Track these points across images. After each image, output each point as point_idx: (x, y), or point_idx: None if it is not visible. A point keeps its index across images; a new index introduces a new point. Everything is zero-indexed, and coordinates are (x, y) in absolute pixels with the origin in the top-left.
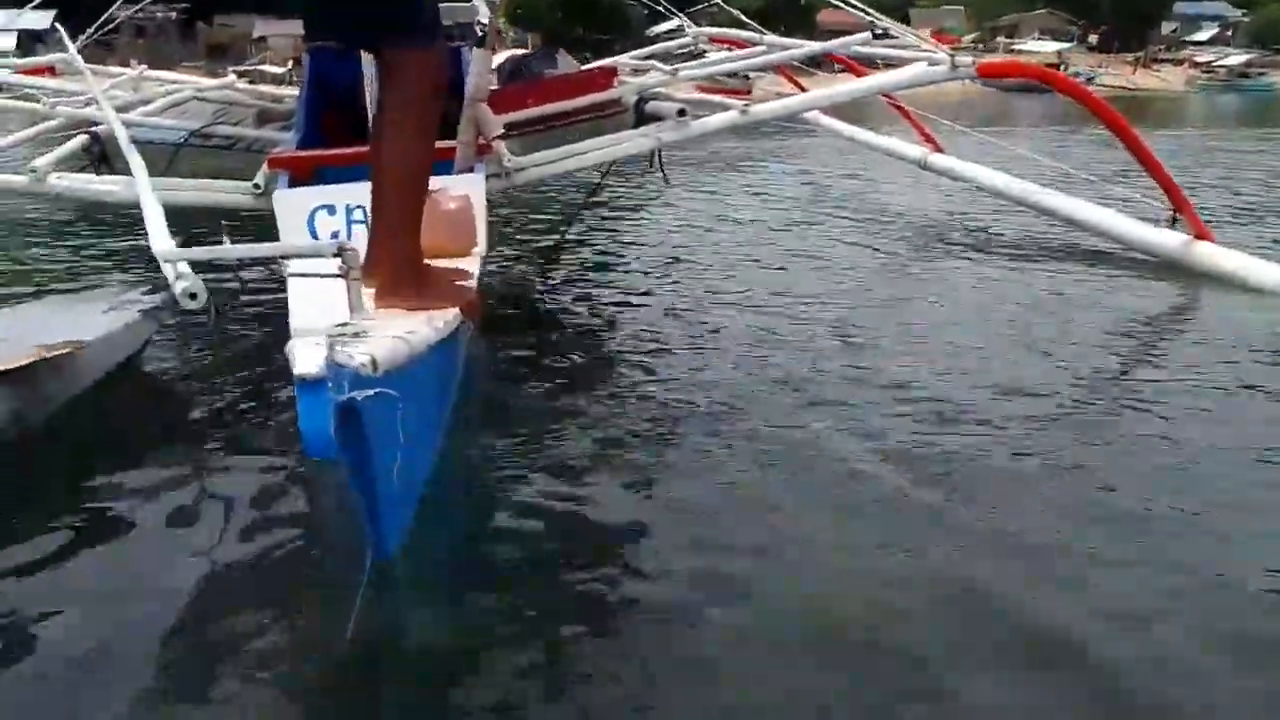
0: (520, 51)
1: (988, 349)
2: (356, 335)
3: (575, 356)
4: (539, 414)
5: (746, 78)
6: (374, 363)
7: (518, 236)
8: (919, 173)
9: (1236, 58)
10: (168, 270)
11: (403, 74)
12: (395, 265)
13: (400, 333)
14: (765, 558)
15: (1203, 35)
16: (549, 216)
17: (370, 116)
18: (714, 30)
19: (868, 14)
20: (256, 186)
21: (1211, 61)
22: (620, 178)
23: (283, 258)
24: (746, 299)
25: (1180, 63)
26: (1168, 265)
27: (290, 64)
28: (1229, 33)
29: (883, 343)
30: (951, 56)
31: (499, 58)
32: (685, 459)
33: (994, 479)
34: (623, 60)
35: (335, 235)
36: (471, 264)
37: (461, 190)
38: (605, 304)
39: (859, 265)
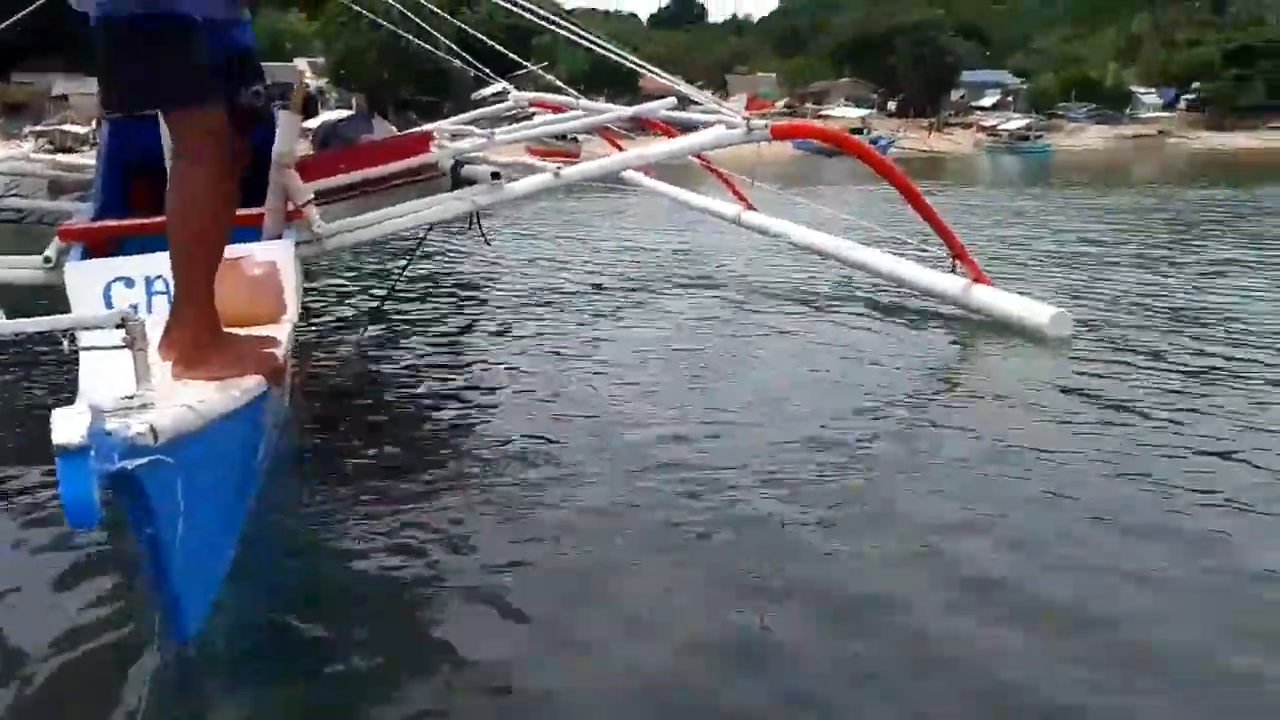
0: (336, 115)
1: (799, 399)
2: (142, 406)
3: (397, 416)
4: (359, 476)
5: (575, 140)
6: (154, 432)
7: (338, 299)
8: (734, 228)
9: (1017, 122)
10: None
11: (187, 135)
12: (193, 334)
13: (190, 402)
14: (588, 614)
15: (987, 101)
16: (371, 278)
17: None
18: (534, 95)
19: (673, 83)
20: (47, 260)
21: (995, 125)
22: (442, 238)
23: (62, 331)
24: (566, 353)
25: (969, 126)
26: (953, 307)
27: (94, 123)
28: (1010, 99)
29: (697, 395)
30: (746, 120)
31: (315, 121)
32: (509, 516)
33: (811, 535)
34: (442, 125)
35: (135, 309)
36: (280, 330)
37: (268, 257)
38: (427, 364)
39: (680, 318)
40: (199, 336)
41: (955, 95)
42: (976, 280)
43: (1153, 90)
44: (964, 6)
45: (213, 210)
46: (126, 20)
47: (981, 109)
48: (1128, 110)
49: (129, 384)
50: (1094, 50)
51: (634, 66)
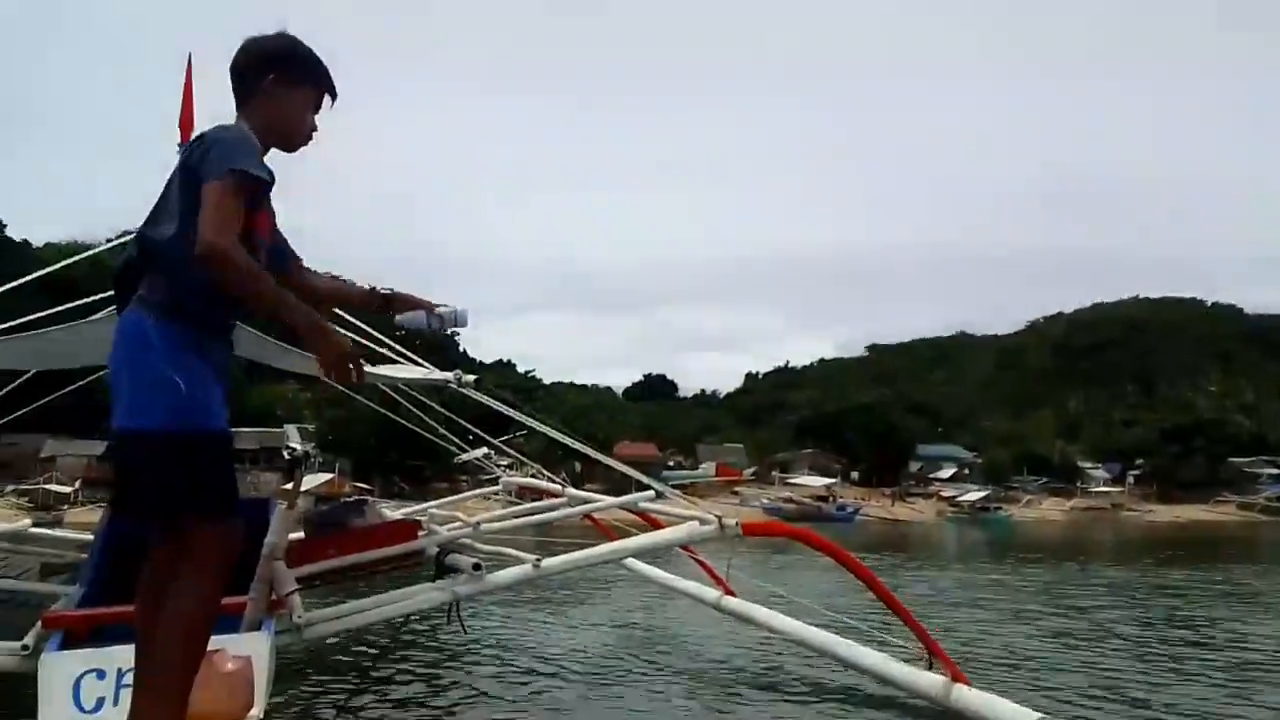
0: (321, 478)
1: None
2: None
3: None
4: None
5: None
6: None
7: (308, 689)
8: (715, 613)
9: (976, 493)
10: None
11: (202, 547)
12: None
13: None
14: None
15: (945, 473)
16: (346, 666)
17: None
18: (522, 480)
19: (647, 483)
20: (25, 648)
21: (955, 496)
22: (419, 621)
23: None
24: None
25: (930, 496)
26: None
27: (78, 483)
28: (966, 471)
29: None
30: (719, 518)
31: (305, 483)
32: None
33: None
34: (432, 509)
35: (100, 703)
36: None
37: (244, 651)
38: None
39: (659, 706)
40: None
41: (913, 466)
42: (955, 679)
43: (1099, 465)
44: (912, 388)
45: (207, 629)
46: (159, 432)
47: (940, 480)
48: (1079, 483)
49: None
50: (1036, 428)
51: (592, 454)
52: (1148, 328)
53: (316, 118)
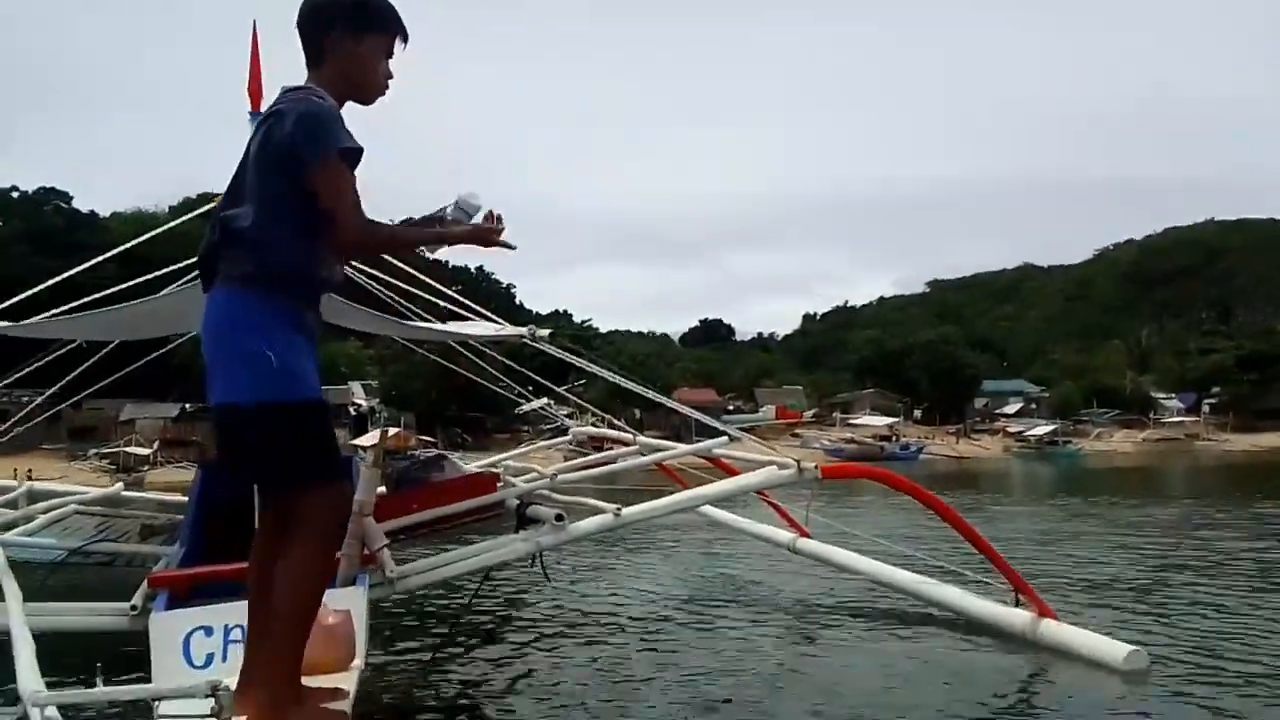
0: (391, 431)
1: None
2: None
3: None
4: None
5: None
6: None
7: (402, 641)
8: (791, 555)
9: (1043, 428)
10: (34, 715)
11: (312, 512)
12: (272, 694)
13: None
14: None
15: (1011, 409)
16: (434, 618)
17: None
18: (594, 430)
19: (719, 427)
20: (134, 608)
21: (1022, 431)
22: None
23: (153, 699)
24: (629, 685)
25: (996, 432)
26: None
27: (156, 445)
28: (1033, 406)
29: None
30: (798, 463)
31: (369, 437)
32: None
33: None
34: (506, 459)
35: (210, 659)
36: (348, 679)
37: (343, 605)
38: (488, 698)
39: (742, 644)
40: (279, 698)
41: (979, 403)
42: (1042, 614)
43: (1173, 395)
44: (974, 322)
45: (322, 587)
46: (255, 405)
47: (1006, 416)
48: (1151, 415)
49: None
50: (1106, 360)
51: (655, 397)
52: (1224, 252)
53: (391, 64)
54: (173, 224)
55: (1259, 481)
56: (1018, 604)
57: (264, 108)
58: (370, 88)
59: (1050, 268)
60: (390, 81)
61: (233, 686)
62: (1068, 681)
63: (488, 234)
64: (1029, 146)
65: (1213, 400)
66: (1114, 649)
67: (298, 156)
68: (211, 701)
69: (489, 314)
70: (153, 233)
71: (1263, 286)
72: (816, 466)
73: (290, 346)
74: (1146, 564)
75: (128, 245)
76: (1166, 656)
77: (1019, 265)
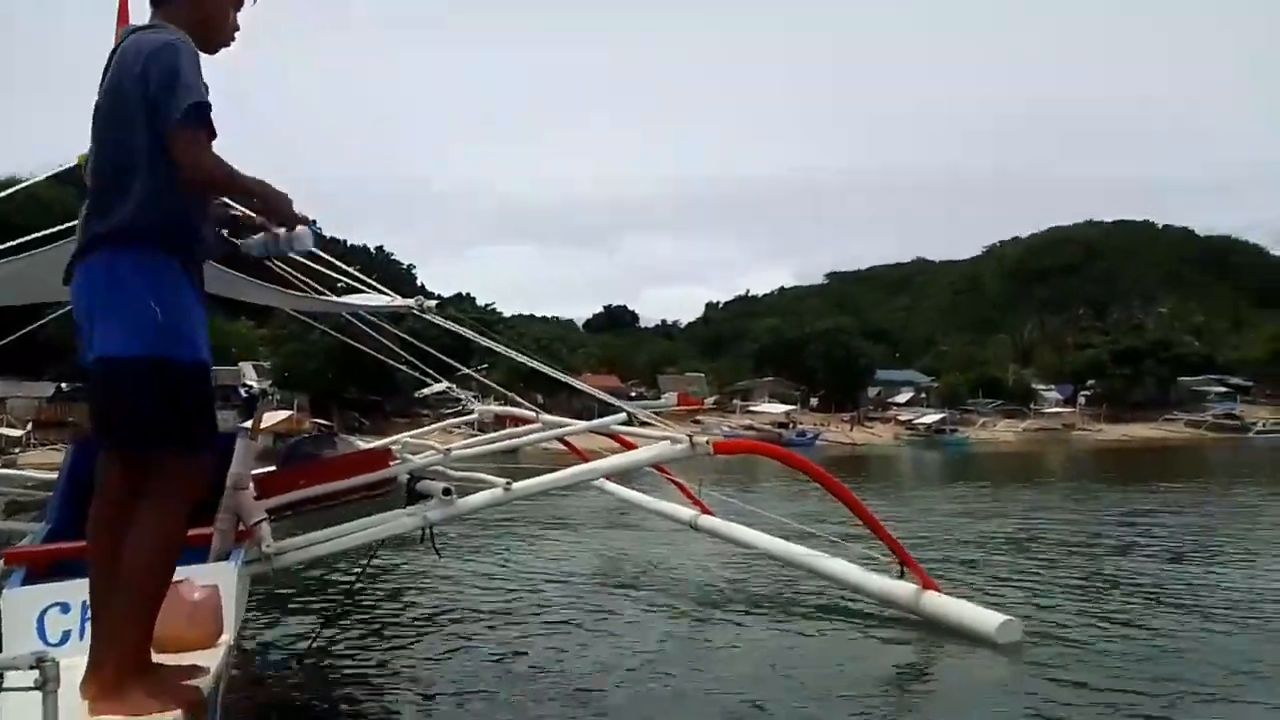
0: (278, 415)
1: (764, 705)
2: None
3: None
4: None
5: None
6: None
7: (288, 612)
8: (690, 531)
9: (932, 416)
10: None
11: (172, 479)
12: (115, 670)
13: None
14: None
15: (902, 398)
16: (321, 591)
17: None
18: (499, 409)
19: (617, 405)
20: None
21: (912, 420)
22: (392, 548)
23: None
24: (516, 671)
25: (888, 420)
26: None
27: (29, 425)
28: (923, 395)
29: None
30: (690, 437)
31: (268, 419)
32: None
33: None
34: (404, 438)
35: (66, 635)
36: (211, 657)
37: (209, 580)
38: (373, 681)
39: (635, 628)
40: (122, 672)
41: (872, 392)
42: (925, 586)
43: (1052, 387)
44: (869, 313)
45: (173, 559)
46: (137, 359)
47: (897, 404)
48: (1032, 405)
49: None
50: (992, 352)
51: (560, 377)
52: (1102, 252)
53: (239, 16)
54: (28, 183)
55: (1127, 469)
56: (902, 575)
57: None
58: (217, 35)
59: (942, 262)
60: (237, 35)
61: (78, 664)
62: (950, 660)
63: (283, 207)
64: (924, 143)
65: (1088, 392)
66: (990, 618)
67: (156, 110)
68: (36, 674)
69: (379, 286)
70: (10, 190)
71: (1137, 285)
72: (709, 441)
73: (177, 305)
74: (1025, 542)
75: None
76: (1040, 626)
77: (913, 259)
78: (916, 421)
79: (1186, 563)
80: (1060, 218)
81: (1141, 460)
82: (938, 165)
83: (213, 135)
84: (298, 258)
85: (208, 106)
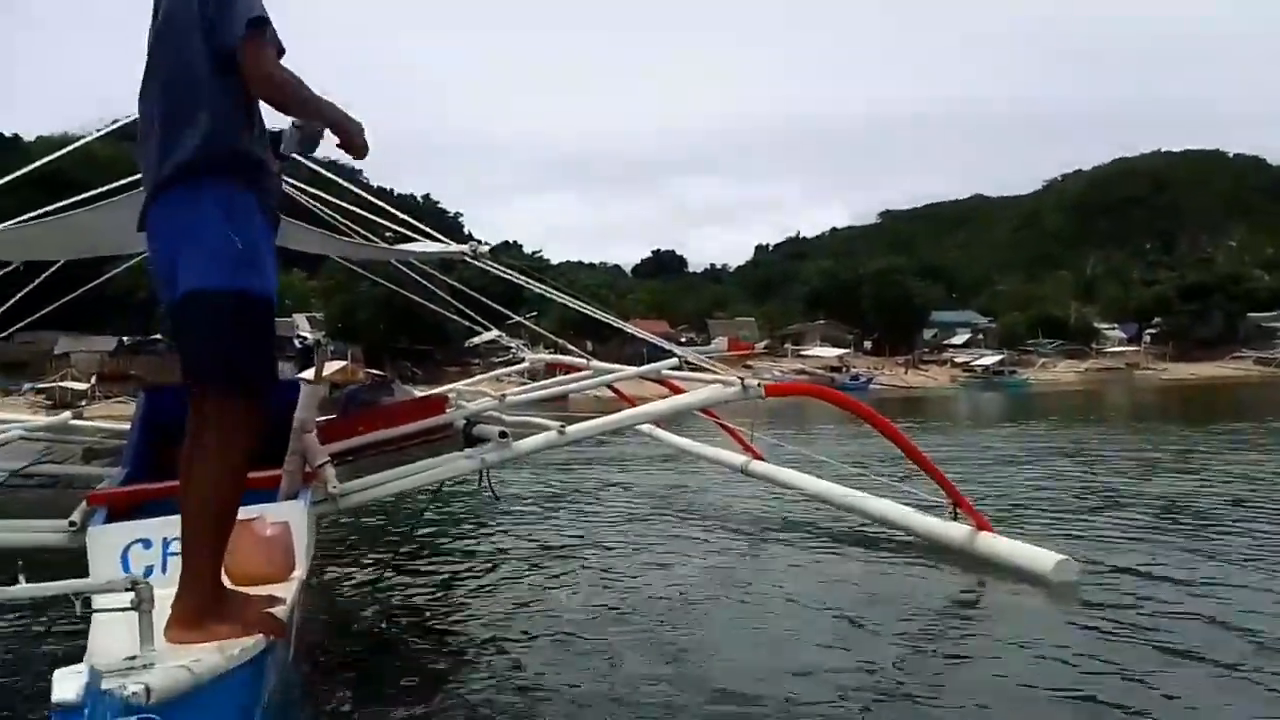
0: (335, 365)
1: (813, 638)
2: (143, 667)
3: (407, 669)
4: None
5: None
6: (148, 692)
7: (355, 551)
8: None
9: (990, 358)
10: None
11: (230, 417)
12: (198, 599)
13: (186, 662)
14: None
15: (958, 339)
16: (387, 531)
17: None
18: (550, 357)
19: (668, 348)
20: (72, 524)
21: (969, 361)
22: (452, 491)
23: (74, 595)
24: (574, 603)
25: (944, 363)
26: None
27: (93, 379)
28: (980, 336)
29: (716, 642)
30: (741, 380)
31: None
32: None
33: None
34: (458, 386)
35: (150, 570)
36: (286, 589)
37: (281, 517)
38: (439, 614)
39: (691, 561)
40: (204, 600)
41: (927, 334)
42: (979, 528)
43: (1115, 326)
44: (924, 252)
45: (235, 493)
46: (226, 293)
47: (954, 346)
48: (1094, 345)
49: (133, 646)
50: (1053, 290)
51: (614, 323)
52: (1169, 183)
53: None
54: (89, 137)
55: (1191, 408)
56: (955, 517)
57: None
58: None
59: (1000, 198)
60: None
61: (161, 583)
62: (1002, 598)
63: (356, 134)
64: (983, 75)
65: (1153, 330)
66: (1045, 557)
67: (214, 29)
68: (131, 595)
69: (432, 232)
70: (69, 148)
71: (1204, 217)
72: (760, 384)
73: (252, 236)
74: (1084, 484)
75: (45, 160)
76: (1097, 567)
77: (970, 195)
78: (974, 363)
79: (1252, 507)
80: (1126, 149)
81: (1207, 399)
82: (998, 98)
83: (281, 50)
84: (350, 206)
85: (268, 19)
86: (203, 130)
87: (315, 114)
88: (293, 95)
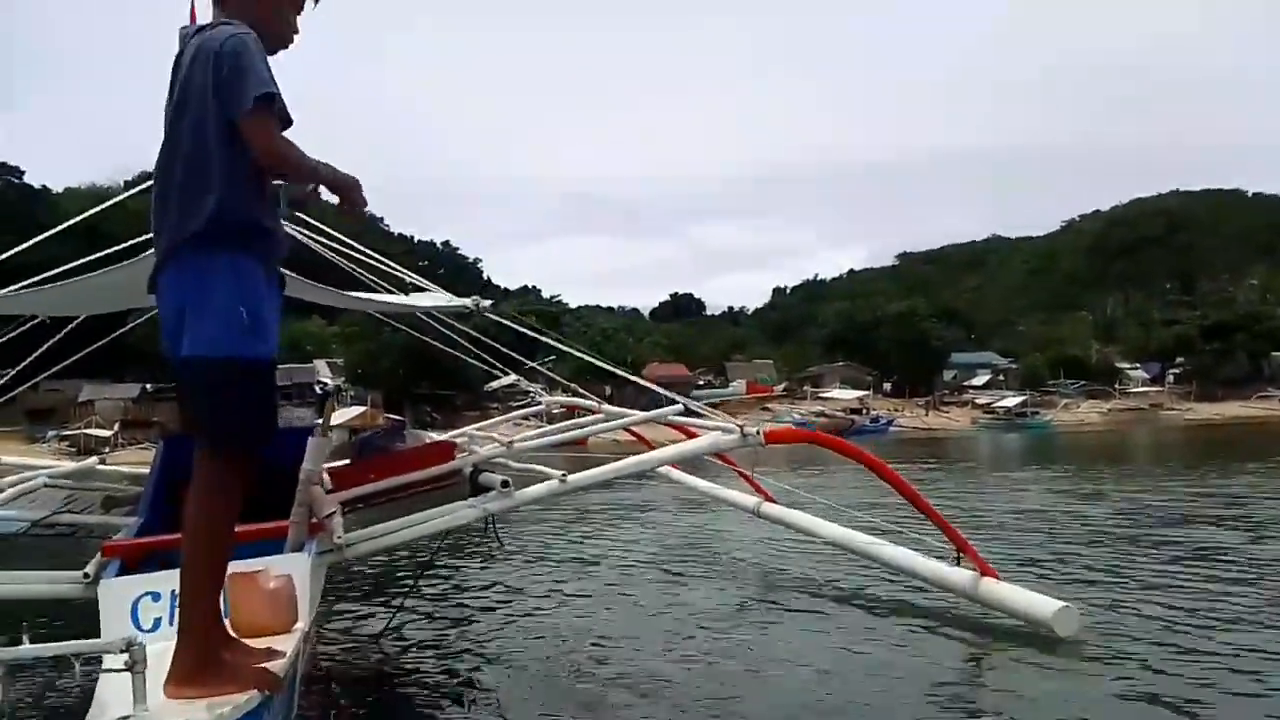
0: (353, 411)
1: (821, 697)
2: None
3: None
4: None
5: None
6: None
7: (361, 601)
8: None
9: (1013, 399)
10: None
11: (228, 470)
12: (195, 653)
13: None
14: None
15: (979, 380)
16: (389, 582)
17: None
18: (564, 399)
19: (670, 396)
20: (86, 576)
21: (990, 403)
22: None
23: (73, 656)
24: (580, 653)
25: (964, 404)
26: (963, 601)
27: (116, 427)
28: (1001, 377)
29: (713, 699)
30: (740, 426)
31: (339, 416)
32: None
33: None
34: (471, 431)
35: (158, 623)
36: (287, 641)
37: (284, 570)
38: (444, 667)
39: (699, 614)
40: (200, 654)
41: (947, 375)
42: (983, 573)
43: (1138, 366)
44: (941, 293)
45: (221, 546)
46: (232, 361)
47: (974, 388)
48: (1117, 385)
49: (128, 705)
50: (1073, 331)
51: (615, 370)
52: (1188, 222)
53: (299, 19)
54: (122, 196)
55: (1214, 449)
56: (959, 562)
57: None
58: (277, 34)
59: (1017, 239)
60: (296, 38)
61: (168, 649)
62: (1004, 650)
63: (350, 190)
64: (997, 115)
65: (1177, 370)
66: (1046, 605)
67: (226, 98)
68: (126, 656)
69: (429, 285)
70: (103, 205)
71: (1224, 256)
72: (759, 431)
73: (260, 306)
74: (1096, 528)
75: (80, 218)
76: (1103, 615)
77: (987, 237)
78: (995, 405)
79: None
80: (1144, 190)
81: (1232, 440)
82: (1012, 141)
83: (287, 123)
84: (368, 258)
85: (276, 95)
86: (216, 197)
87: (312, 178)
88: (293, 165)
